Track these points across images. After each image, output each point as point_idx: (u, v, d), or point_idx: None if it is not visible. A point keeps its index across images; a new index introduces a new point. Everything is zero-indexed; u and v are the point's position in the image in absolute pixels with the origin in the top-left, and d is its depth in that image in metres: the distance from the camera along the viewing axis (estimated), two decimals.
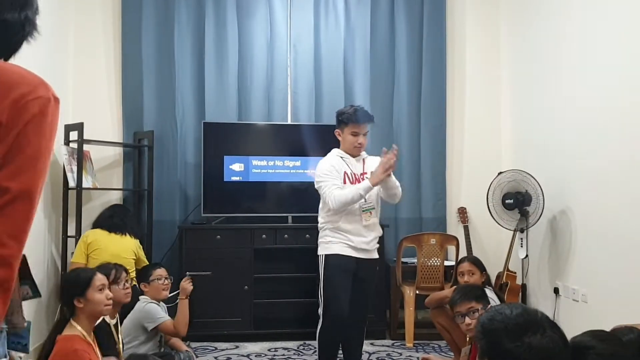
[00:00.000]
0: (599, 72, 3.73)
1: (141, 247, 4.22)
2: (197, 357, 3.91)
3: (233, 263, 4.43)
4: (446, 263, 4.50)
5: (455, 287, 3.72)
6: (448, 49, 5.13)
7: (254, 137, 4.84)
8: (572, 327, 3.97)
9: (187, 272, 3.64)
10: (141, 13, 4.79)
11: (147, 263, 4.20)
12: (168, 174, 4.78)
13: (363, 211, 3.38)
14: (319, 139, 4.79)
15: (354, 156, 3.50)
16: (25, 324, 1.42)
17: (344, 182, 3.41)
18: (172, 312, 3.47)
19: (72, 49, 4.76)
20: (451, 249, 4.65)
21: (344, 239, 3.37)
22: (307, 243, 4.52)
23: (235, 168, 4.67)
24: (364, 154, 3.58)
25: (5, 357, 1.25)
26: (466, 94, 5.17)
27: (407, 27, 5.04)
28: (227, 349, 4.24)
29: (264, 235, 4.48)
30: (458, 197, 5.12)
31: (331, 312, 3.31)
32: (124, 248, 4.00)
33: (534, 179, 4.24)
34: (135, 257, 4.07)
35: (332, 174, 3.37)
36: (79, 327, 2.44)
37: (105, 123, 4.81)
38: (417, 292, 4.43)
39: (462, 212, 5.02)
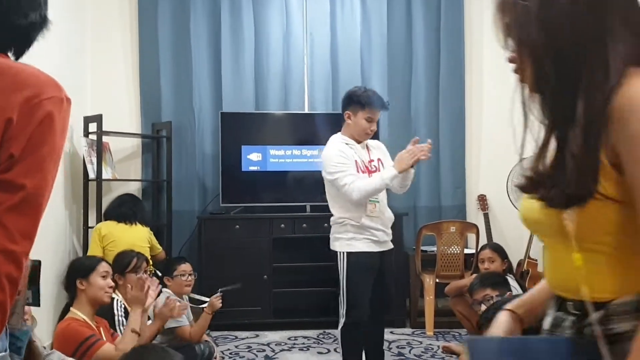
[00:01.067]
0: None
1: (152, 233, 4.23)
2: (217, 346, 3.93)
3: (252, 252, 4.44)
4: (466, 251, 4.46)
5: (475, 275, 3.71)
6: (466, 35, 5.06)
7: (271, 127, 4.84)
8: None
9: (220, 289, 3.54)
10: (157, 5, 4.79)
11: (161, 249, 4.26)
12: (186, 165, 4.80)
13: (370, 202, 3.14)
14: (336, 128, 4.76)
15: (359, 142, 3.24)
16: (25, 328, 1.42)
17: (357, 171, 3.18)
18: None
19: (89, 41, 4.78)
20: (471, 237, 4.60)
21: (368, 234, 3.13)
22: (325, 232, 4.47)
23: (253, 158, 4.67)
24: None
25: (5, 351, 1.26)
26: (484, 80, 5.10)
27: (424, 13, 4.98)
28: (247, 337, 4.26)
29: (282, 225, 4.48)
30: (477, 185, 5.07)
31: (353, 316, 3.10)
32: (138, 237, 4.02)
33: None
34: (149, 245, 4.11)
35: (346, 163, 3.11)
36: (79, 313, 2.49)
37: (123, 114, 4.84)
38: (437, 280, 4.40)
39: (482, 199, 4.97)
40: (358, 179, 3.07)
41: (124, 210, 4.09)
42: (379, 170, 3.18)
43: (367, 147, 3.29)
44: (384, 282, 3.22)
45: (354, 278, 3.07)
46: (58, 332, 2.49)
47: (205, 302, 3.50)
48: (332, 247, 3.22)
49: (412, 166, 3.09)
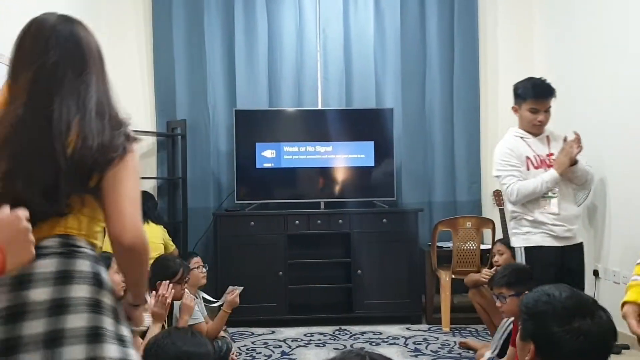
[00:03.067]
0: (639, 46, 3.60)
1: (166, 232, 4.24)
2: (234, 342, 3.95)
3: (267, 249, 4.45)
4: (482, 247, 4.43)
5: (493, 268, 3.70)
6: (480, 29, 5.02)
7: (285, 123, 4.84)
8: (615, 310, 3.87)
9: (230, 286, 3.56)
10: (171, 3, 4.81)
11: (174, 247, 4.25)
12: (201, 162, 4.82)
13: (543, 198, 3.01)
14: (349, 124, 4.77)
15: (535, 135, 3.11)
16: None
17: (527, 168, 3.06)
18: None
19: (104, 40, 4.75)
20: (487, 232, 4.58)
21: (545, 229, 3.01)
22: (339, 228, 4.53)
23: (267, 155, 4.68)
24: (547, 130, 3.18)
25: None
26: (499, 74, 5.05)
27: (438, 8, 4.95)
28: (263, 334, 4.27)
29: (297, 221, 4.48)
30: (493, 180, 5.01)
31: None
32: (151, 235, 4.03)
33: None
34: (163, 243, 4.12)
35: (510, 162, 3.04)
36: None
37: (138, 113, 4.84)
38: (453, 276, 4.38)
39: (498, 194, 4.92)
40: (519, 180, 3.01)
41: None
42: None
43: (548, 140, 3.15)
44: (568, 280, 2.92)
45: (534, 274, 2.90)
46: None
47: (214, 301, 3.53)
48: (512, 244, 3.18)
49: (572, 164, 3.01)
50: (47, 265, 1.28)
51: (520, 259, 3.05)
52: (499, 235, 4.56)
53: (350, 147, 4.74)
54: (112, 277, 2.60)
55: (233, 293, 3.44)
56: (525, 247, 3.03)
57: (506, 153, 3.08)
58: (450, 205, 4.94)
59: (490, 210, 4.94)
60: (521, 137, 3.11)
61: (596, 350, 1.34)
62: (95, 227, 1.41)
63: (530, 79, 3.17)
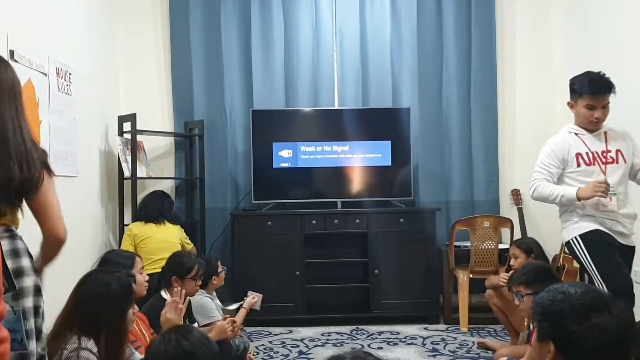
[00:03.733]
0: None
1: (183, 231, 4.24)
2: (252, 341, 3.97)
3: (284, 249, 4.46)
4: (500, 246, 4.40)
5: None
6: (497, 26, 4.98)
7: (302, 123, 4.85)
8: (636, 309, 3.82)
9: (249, 291, 3.67)
10: (188, 4, 4.85)
11: (192, 246, 4.25)
12: (219, 162, 4.85)
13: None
14: (366, 123, 4.76)
15: (591, 131, 3.00)
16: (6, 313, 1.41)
17: (578, 165, 2.97)
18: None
19: (121, 42, 4.86)
20: (505, 231, 4.54)
21: (599, 220, 2.92)
22: (357, 228, 4.53)
23: (284, 154, 4.69)
24: (605, 126, 3.05)
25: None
26: (517, 71, 5.02)
27: (455, 6, 4.91)
28: (280, 333, 4.29)
29: (314, 221, 4.49)
30: (511, 179, 5.00)
31: (614, 285, 2.70)
32: (169, 234, 4.07)
33: None
34: (180, 242, 4.13)
35: (546, 161, 2.99)
36: None
37: (156, 113, 4.91)
38: (471, 276, 4.35)
39: (516, 194, 4.89)
40: (544, 179, 2.98)
41: (148, 212, 4.12)
42: (617, 163, 2.97)
43: (606, 136, 3.02)
44: None
45: (596, 252, 2.83)
46: None
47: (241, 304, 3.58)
48: (564, 239, 3.09)
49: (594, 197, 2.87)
50: (5, 245, 1.80)
51: (578, 249, 2.91)
52: (517, 234, 4.53)
53: (367, 147, 4.73)
54: (137, 277, 2.64)
55: (255, 297, 3.48)
56: (580, 235, 2.91)
57: (548, 153, 3.02)
58: (468, 204, 4.91)
59: (508, 210, 4.90)
60: (575, 134, 3.01)
61: (618, 344, 1.31)
62: (17, 220, 1.91)
63: (587, 73, 3.01)
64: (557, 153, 2.99)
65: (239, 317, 3.38)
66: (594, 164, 2.95)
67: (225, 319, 3.13)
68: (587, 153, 2.97)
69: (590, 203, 2.90)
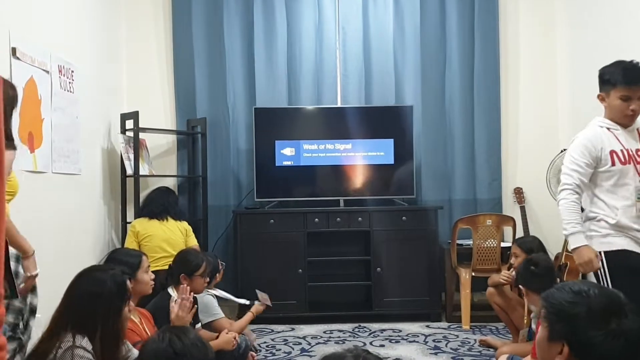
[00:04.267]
0: None
1: (187, 229, 4.18)
2: (257, 338, 3.97)
3: (287, 247, 4.47)
4: (503, 244, 4.40)
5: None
6: (501, 24, 4.97)
7: (305, 121, 4.85)
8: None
9: (257, 290, 3.64)
10: (191, 2, 4.85)
11: (196, 244, 4.18)
12: (222, 160, 4.85)
13: (638, 199, 2.64)
14: (369, 121, 4.76)
15: (624, 126, 2.70)
16: None
17: (612, 164, 2.65)
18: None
19: (124, 40, 4.87)
20: (508, 230, 4.54)
21: (630, 233, 2.63)
22: (359, 226, 4.53)
23: (286, 152, 4.69)
24: (638, 122, 2.76)
25: None
26: (520, 70, 5.01)
27: (458, 4, 4.91)
28: (283, 330, 4.29)
29: (316, 219, 4.49)
30: (514, 177, 4.99)
31: None
32: (172, 231, 4.06)
33: None
34: (184, 240, 4.09)
35: (583, 159, 2.66)
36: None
37: (159, 111, 4.91)
38: (473, 274, 4.35)
39: (519, 192, 4.89)
40: (573, 193, 2.66)
41: (152, 208, 4.12)
42: None
43: (639, 133, 2.74)
44: None
45: (619, 280, 2.54)
46: None
47: (229, 298, 3.59)
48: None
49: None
50: None
51: (600, 268, 2.63)
52: (519, 232, 4.53)
53: (370, 145, 4.73)
54: (143, 276, 2.64)
55: (267, 300, 3.49)
56: (606, 253, 2.62)
57: (580, 150, 2.69)
58: (471, 202, 4.90)
59: (511, 208, 4.90)
60: (607, 128, 2.71)
61: (635, 349, 1.27)
62: None
63: (619, 62, 2.72)
64: (590, 149, 2.67)
65: (244, 321, 3.35)
66: (629, 163, 2.66)
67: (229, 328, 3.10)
68: (621, 150, 2.67)
69: (624, 206, 2.64)
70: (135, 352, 2.17)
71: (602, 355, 1.27)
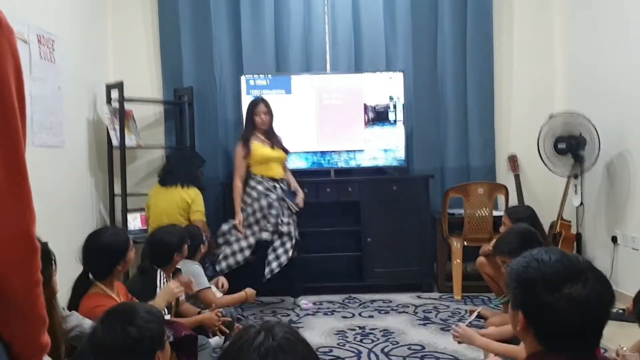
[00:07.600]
0: None
1: (194, 198, 4.06)
2: (242, 310, 3.96)
3: None
4: (495, 213, 4.33)
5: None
6: None
7: None
8: (633, 277, 3.78)
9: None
10: None
11: (199, 219, 4.05)
12: (209, 131, 4.76)
13: None
14: (358, 89, 4.64)
15: None
16: None
17: None
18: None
19: (109, 9, 4.75)
20: (500, 198, 4.47)
21: None
22: (349, 197, 4.46)
23: None
24: None
25: None
26: (514, 33, 4.87)
27: None
28: (272, 302, 4.27)
29: (306, 190, 4.42)
30: (508, 144, 4.90)
31: None
32: (172, 201, 4.01)
33: (589, 121, 4.00)
34: (180, 212, 4.01)
35: None
36: (105, 289, 2.38)
37: (145, 81, 4.82)
38: (465, 244, 4.30)
39: (513, 159, 4.80)
40: None
41: (164, 174, 4.15)
42: None
43: None
44: None
45: None
46: (87, 311, 2.26)
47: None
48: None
49: None
50: None
51: None
52: (513, 200, 4.46)
53: None
54: (130, 256, 2.53)
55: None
56: None
57: None
58: (463, 170, 4.82)
59: (504, 176, 4.82)
60: None
61: (590, 317, 1.24)
62: None
63: None
64: None
65: (232, 298, 3.29)
66: None
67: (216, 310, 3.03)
68: None
69: None
70: (86, 323, 2.09)
71: (555, 321, 1.23)
